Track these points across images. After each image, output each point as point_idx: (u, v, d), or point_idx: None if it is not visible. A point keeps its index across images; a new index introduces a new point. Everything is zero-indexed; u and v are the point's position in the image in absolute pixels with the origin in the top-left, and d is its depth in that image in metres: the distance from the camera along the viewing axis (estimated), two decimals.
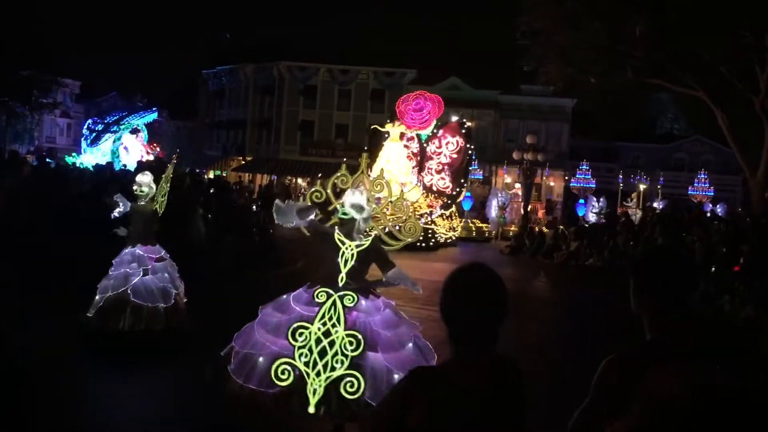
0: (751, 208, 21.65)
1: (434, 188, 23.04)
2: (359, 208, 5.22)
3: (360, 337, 4.84)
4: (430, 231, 20.79)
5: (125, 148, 24.77)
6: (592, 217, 25.79)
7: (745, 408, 2.13)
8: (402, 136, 22.71)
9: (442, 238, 21.40)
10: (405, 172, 21.72)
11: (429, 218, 21.20)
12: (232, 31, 53.16)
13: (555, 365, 8.15)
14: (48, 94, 35.54)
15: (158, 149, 28.86)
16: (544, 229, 24.20)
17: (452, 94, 36.96)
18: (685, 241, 16.15)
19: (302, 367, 4.75)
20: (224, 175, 41.37)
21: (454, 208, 23.41)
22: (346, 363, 4.76)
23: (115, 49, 64.70)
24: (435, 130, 23.38)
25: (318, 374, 4.74)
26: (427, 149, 23.44)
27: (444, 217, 22.60)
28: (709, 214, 23.78)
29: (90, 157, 23.14)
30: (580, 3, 21.53)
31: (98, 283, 7.63)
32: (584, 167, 32.67)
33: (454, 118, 24.28)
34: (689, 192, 33.76)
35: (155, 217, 7.96)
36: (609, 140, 45.21)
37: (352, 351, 4.78)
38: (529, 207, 29.05)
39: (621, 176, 32.66)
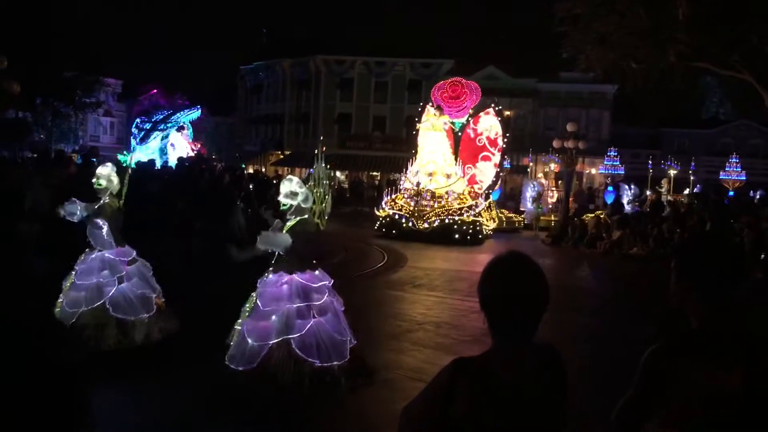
0: None
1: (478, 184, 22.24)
2: (291, 195, 5.92)
3: (253, 305, 5.89)
4: (477, 224, 20.15)
5: (172, 145, 25.61)
6: (626, 206, 25.18)
7: None
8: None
9: (485, 230, 20.84)
10: (450, 164, 21.19)
11: (476, 210, 20.54)
12: (269, 27, 53.46)
13: (598, 356, 8.03)
14: (91, 94, 36.32)
15: (200, 146, 29.49)
16: (586, 217, 23.79)
17: (490, 83, 36.65)
18: (734, 227, 15.75)
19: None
20: (263, 170, 41.82)
21: (492, 199, 22.89)
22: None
23: (154, 48, 65.80)
24: (470, 119, 22.53)
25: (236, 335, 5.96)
26: (477, 141, 22.38)
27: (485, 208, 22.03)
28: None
29: (140, 155, 23.91)
30: None
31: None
32: (612, 153, 31.88)
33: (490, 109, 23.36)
34: (721, 176, 32.69)
35: (120, 215, 7.03)
36: (652, 127, 44.29)
37: (246, 317, 5.92)
38: (559, 196, 28.46)
39: (651, 162, 31.80)
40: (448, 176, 20.83)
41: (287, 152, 46.22)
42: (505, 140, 22.53)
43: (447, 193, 20.51)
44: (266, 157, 47.63)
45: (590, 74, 30.64)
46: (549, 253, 18.89)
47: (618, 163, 32.27)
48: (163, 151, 25.00)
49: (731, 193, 29.19)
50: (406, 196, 20.88)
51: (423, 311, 10.18)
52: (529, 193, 25.95)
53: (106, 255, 6.80)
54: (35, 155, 20.40)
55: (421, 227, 19.76)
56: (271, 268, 6.02)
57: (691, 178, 30.17)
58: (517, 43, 45.59)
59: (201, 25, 75.12)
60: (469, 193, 21.21)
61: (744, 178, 32.44)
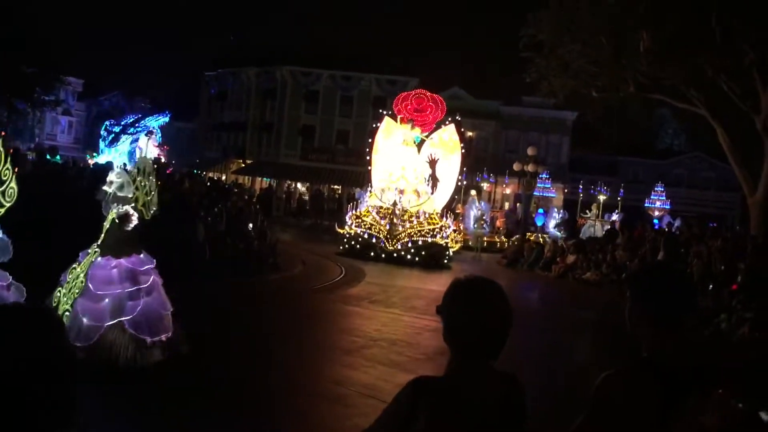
0: (750, 227, 21.65)
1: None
2: (109, 183, 6.53)
3: (82, 284, 6.31)
4: (447, 246, 19.23)
5: (139, 148, 25.58)
6: (553, 229, 25.68)
7: None
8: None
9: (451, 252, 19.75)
10: (421, 181, 19.94)
11: (447, 231, 19.50)
12: (236, 35, 53.17)
13: (550, 379, 8.12)
14: (51, 91, 35.55)
15: (166, 150, 29.31)
16: (541, 240, 24.16)
17: (454, 103, 36.69)
18: (684, 257, 16.14)
19: (59, 296, 6.49)
20: (224, 177, 41.40)
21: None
22: (70, 302, 6.33)
23: (117, 49, 64.64)
24: (431, 134, 21.23)
25: (61, 304, 6.41)
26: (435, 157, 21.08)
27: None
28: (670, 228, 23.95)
29: (108, 157, 23.91)
30: (584, 17, 21.59)
31: None
32: (545, 176, 31.79)
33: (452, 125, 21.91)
34: (646, 204, 33.26)
35: None
36: (609, 154, 45.32)
37: (76, 294, 6.31)
38: (492, 215, 28.50)
39: (581, 187, 32.32)
40: (419, 194, 19.79)
41: (249, 161, 45.88)
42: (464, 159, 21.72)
43: (418, 212, 19.44)
44: (227, 164, 47.19)
45: (552, 100, 31.25)
46: (505, 275, 19.07)
47: (549, 186, 32.52)
48: (131, 155, 24.97)
49: (655, 221, 30.02)
50: (374, 213, 19.56)
51: (378, 327, 10.17)
52: (473, 213, 25.67)
53: None
54: None
55: (392, 248, 18.66)
56: (97, 250, 6.56)
57: (620, 204, 30.38)
58: (482, 66, 46.32)
59: (166, 28, 74.15)
60: (440, 215, 20.10)
61: (668, 206, 33.01)
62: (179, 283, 9.90)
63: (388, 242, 18.75)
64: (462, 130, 22.59)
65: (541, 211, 30.74)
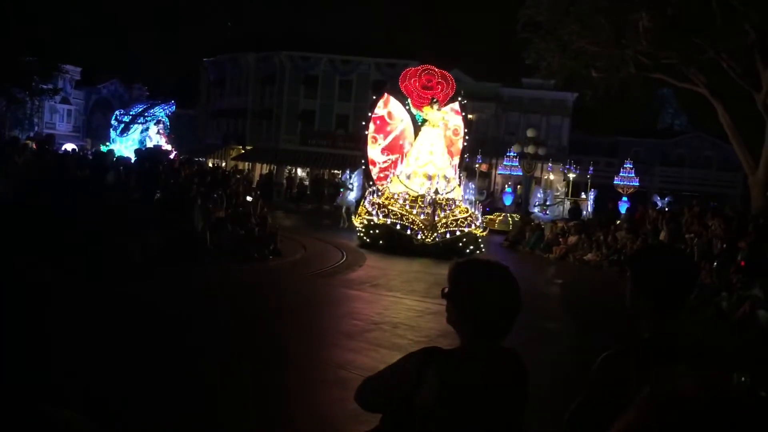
0: (751, 206, 21.63)
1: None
2: None
3: None
4: (479, 235, 18.02)
5: (149, 137, 26.34)
6: (535, 209, 24.95)
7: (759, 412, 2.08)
8: (390, 114, 19.93)
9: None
10: (448, 165, 18.58)
11: (478, 221, 18.27)
12: (234, 20, 52.91)
13: (551, 360, 8.15)
14: (49, 80, 35.38)
15: (171, 138, 29.89)
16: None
17: None
18: (684, 237, 16.15)
19: None
20: (223, 164, 41.38)
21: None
22: None
23: (115, 35, 64.35)
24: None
25: None
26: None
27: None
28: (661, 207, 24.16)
29: (120, 146, 24.62)
30: None
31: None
32: (512, 154, 30.92)
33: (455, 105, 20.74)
34: (615, 182, 32.99)
35: None
36: (610, 135, 45.19)
37: None
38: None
39: (551, 165, 32.18)
40: (448, 180, 18.18)
41: (249, 147, 45.79)
42: (466, 140, 20.96)
43: (448, 200, 17.79)
44: (227, 151, 47.13)
45: (552, 81, 31.13)
46: (506, 257, 19.09)
47: (517, 164, 32.06)
48: (142, 143, 25.72)
49: (624, 198, 29.96)
50: (401, 201, 17.77)
51: (380, 311, 10.19)
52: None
53: None
54: None
55: (430, 240, 16.91)
56: None
57: (589, 182, 30.07)
58: (482, 48, 46.22)
59: (164, 15, 73.80)
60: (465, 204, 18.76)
61: (637, 183, 32.79)
62: (180, 269, 9.91)
63: (426, 234, 17.03)
64: (465, 109, 21.55)
65: (509, 189, 30.62)
